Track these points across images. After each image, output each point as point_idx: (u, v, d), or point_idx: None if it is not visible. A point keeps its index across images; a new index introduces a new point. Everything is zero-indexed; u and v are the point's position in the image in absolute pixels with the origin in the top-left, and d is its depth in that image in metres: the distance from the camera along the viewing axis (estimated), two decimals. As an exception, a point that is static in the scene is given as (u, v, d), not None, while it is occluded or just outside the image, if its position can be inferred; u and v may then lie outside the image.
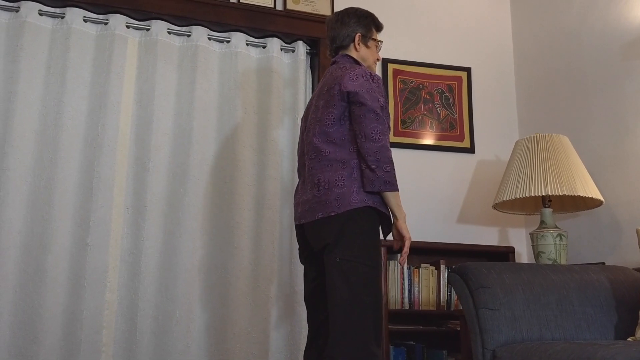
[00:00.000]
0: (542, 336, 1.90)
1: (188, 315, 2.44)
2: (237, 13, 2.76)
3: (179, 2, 2.68)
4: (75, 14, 2.57)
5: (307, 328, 2.02)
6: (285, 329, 2.58)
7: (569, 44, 2.87)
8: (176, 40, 2.72)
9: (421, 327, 2.70)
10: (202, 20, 2.71)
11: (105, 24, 2.61)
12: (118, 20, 2.61)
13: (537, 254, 2.48)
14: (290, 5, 2.87)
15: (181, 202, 2.53)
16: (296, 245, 2.06)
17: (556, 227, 2.49)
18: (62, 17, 2.57)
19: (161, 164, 2.57)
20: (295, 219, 1.99)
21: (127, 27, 2.65)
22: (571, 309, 1.96)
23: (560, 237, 2.45)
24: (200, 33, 2.71)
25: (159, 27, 2.66)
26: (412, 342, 2.66)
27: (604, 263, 2.55)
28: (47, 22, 2.56)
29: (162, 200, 2.54)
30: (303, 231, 1.96)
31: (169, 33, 2.70)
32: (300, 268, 2.55)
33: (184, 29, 2.73)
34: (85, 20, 2.59)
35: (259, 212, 2.64)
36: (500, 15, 3.29)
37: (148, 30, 2.67)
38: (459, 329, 2.61)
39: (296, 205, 1.99)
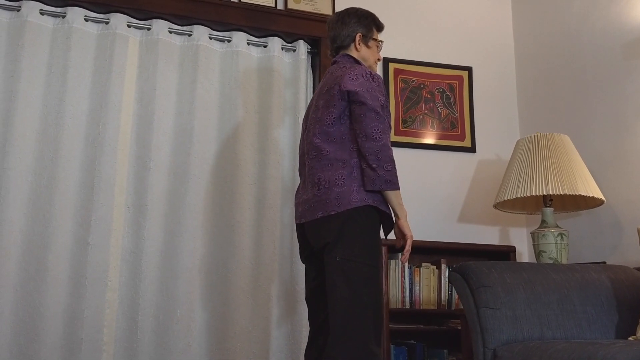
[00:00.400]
0: (543, 335, 1.91)
1: (189, 314, 2.45)
2: (238, 12, 2.76)
3: (180, 2, 2.68)
4: (76, 14, 2.57)
5: (308, 327, 2.02)
6: (286, 328, 2.58)
7: (570, 43, 2.87)
8: (177, 40, 2.72)
9: (422, 326, 2.70)
10: (203, 19, 2.71)
11: (107, 23, 2.61)
12: (119, 20, 2.61)
13: (538, 253, 2.49)
14: (292, 5, 2.87)
15: (182, 201, 2.53)
16: (297, 244, 2.07)
17: (557, 226, 2.49)
18: (63, 17, 2.57)
19: (162, 163, 2.57)
20: (296, 218, 1.99)
21: (128, 26, 2.65)
22: (572, 308, 1.96)
23: (561, 237, 2.45)
24: (201, 32, 2.71)
25: (160, 26, 2.67)
26: (413, 341, 2.67)
27: (605, 262, 2.55)
28: (49, 21, 2.57)
29: (163, 200, 2.54)
30: (303, 230, 1.97)
31: (170, 32, 2.70)
32: (301, 267, 2.55)
33: (185, 28, 2.73)
34: (86, 20, 2.59)
35: (259, 212, 2.64)
36: (501, 15, 3.28)
37: (149, 29, 2.67)
38: (459, 328, 2.61)
39: (297, 204, 2.00)
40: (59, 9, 2.58)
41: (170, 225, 2.52)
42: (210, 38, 2.75)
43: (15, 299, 2.31)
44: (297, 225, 2.00)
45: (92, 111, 2.53)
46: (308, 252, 1.98)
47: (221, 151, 2.67)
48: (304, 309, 2.49)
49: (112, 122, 2.52)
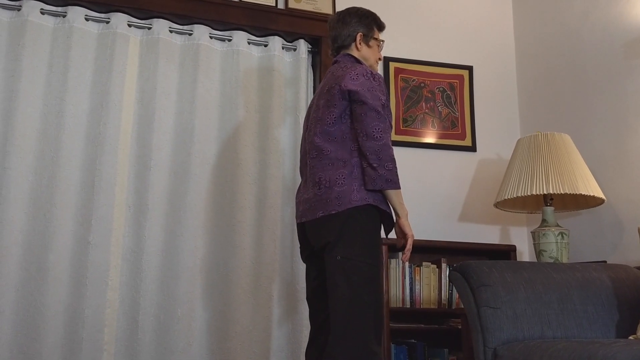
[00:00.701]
0: (543, 334, 1.91)
1: (189, 313, 2.46)
2: (239, 12, 2.77)
3: (181, 1, 2.69)
4: (77, 13, 2.58)
5: (309, 326, 2.02)
6: (287, 328, 2.59)
7: (571, 42, 2.87)
8: (178, 39, 2.73)
9: (422, 325, 2.70)
10: (204, 19, 2.72)
11: (107, 22, 2.62)
12: (120, 19, 2.62)
13: (538, 252, 2.49)
14: (292, 4, 2.87)
15: (183, 200, 2.54)
16: (297, 244, 2.07)
17: (558, 225, 2.50)
18: (64, 16, 2.57)
19: (163, 163, 2.57)
20: (297, 217, 2.00)
21: (129, 25, 2.65)
22: (572, 308, 1.97)
23: (562, 236, 2.46)
24: (201, 32, 2.72)
25: (161, 25, 2.67)
26: (413, 341, 2.67)
27: (605, 261, 2.55)
28: (49, 20, 2.57)
29: (163, 199, 2.55)
30: (304, 230, 1.97)
31: (171, 32, 2.70)
32: (301, 266, 2.55)
33: (185, 27, 2.74)
34: (87, 19, 2.60)
35: (260, 211, 2.65)
36: (502, 14, 3.29)
37: (150, 28, 2.68)
38: (460, 327, 2.62)
39: (298, 204, 2.01)
40: (59, 9, 2.59)
41: (171, 225, 2.53)
42: (211, 37, 2.75)
43: (16, 298, 2.31)
44: (298, 225, 2.01)
45: (93, 110, 2.54)
46: (309, 252, 1.99)
47: (222, 151, 2.67)
48: (304, 309, 2.50)
49: (112, 122, 2.52)
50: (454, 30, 3.17)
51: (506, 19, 3.28)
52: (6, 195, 2.34)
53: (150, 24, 2.68)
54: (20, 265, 2.35)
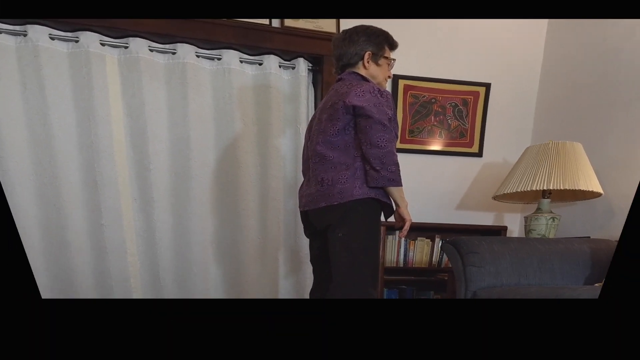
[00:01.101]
0: (520, 283, 2.30)
1: (204, 271, 2.89)
2: (229, 30, 2.81)
3: (159, 21, 2.70)
4: (38, 32, 2.60)
5: (312, 280, 2.38)
6: (293, 279, 2.99)
7: (607, 60, 2.91)
8: (160, 58, 2.77)
9: (413, 277, 3.15)
10: (187, 37, 2.76)
11: (76, 41, 2.65)
12: (90, 38, 2.64)
13: (528, 231, 2.78)
14: (289, 23, 2.93)
15: (187, 197, 2.86)
16: (301, 226, 2.44)
17: (551, 212, 2.76)
18: (25, 35, 2.60)
19: (162, 166, 2.81)
20: (300, 206, 2.27)
21: (102, 44, 2.69)
22: (550, 267, 2.36)
23: (553, 219, 2.73)
24: (186, 50, 2.77)
25: (139, 44, 2.71)
26: (404, 286, 3.14)
27: (589, 237, 2.87)
28: (9, 40, 2.60)
29: (167, 197, 2.86)
30: (307, 216, 2.25)
31: (151, 50, 2.74)
32: (304, 240, 2.86)
33: (167, 46, 2.77)
34: (52, 38, 2.64)
35: (263, 204, 2.99)
36: (534, 34, 3.34)
37: (126, 47, 2.72)
38: (446, 279, 3.03)
39: (300, 197, 2.28)
40: (17, 27, 2.60)
41: (177, 217, 2.87)
42: (198, 56, 2.82)
43: (45, 262, 2.71)
44: (302, 212, 2.29)
45: (81, 123, 2.66)
46: (312, 230, 2.28)
47: (221, 157, 2.89)
48: (307, 268, 2.89)
49: (103, 133, 2.66)
50: (473, 48, 3.25)
51: (538, 39, 3.34)
52: (11, 192, 2.56)
53: (127, 43, 2.71)
54: (42, 238, 2.69)
